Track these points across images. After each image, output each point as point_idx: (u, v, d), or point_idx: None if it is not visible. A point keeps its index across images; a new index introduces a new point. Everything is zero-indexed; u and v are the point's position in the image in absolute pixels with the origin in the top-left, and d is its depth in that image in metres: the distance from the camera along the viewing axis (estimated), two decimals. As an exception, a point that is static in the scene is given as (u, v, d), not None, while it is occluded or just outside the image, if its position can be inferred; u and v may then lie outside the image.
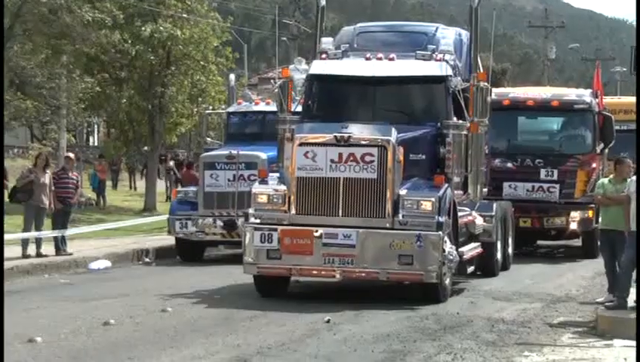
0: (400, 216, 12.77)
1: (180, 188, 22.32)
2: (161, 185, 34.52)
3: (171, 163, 37.45)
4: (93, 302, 12.85)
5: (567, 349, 10.18)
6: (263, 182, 13.53)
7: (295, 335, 10.49)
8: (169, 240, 19.40)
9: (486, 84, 14.13)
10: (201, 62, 30.05)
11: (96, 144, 53.23)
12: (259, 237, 12.85)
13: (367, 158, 12.72)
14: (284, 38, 44.97)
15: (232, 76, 23.37)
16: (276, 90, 14.79)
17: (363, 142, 12.84)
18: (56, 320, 11.33)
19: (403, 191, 12.93)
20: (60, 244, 17.58)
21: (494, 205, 16.24)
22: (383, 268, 12.75)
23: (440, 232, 12.67)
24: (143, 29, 28.35)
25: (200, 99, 30.62)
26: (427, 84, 14.13)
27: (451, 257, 12.83)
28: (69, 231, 18.31)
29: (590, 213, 18.71)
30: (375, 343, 10.15)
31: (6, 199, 17.94)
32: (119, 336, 10.40)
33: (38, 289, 14.50)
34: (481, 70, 15.07)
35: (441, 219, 12.78)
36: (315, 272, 13.06)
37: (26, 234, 17.14)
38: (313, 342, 10.19)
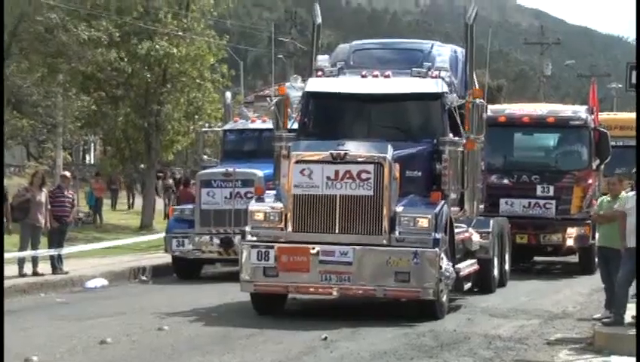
0: (396, 233, 12.76)
1: (176, 206, 22.30)
2: (159, 203, 34.49)
3: (170, 181, 37.42)
4: (89, 320, 12.82)
5: (564, 366, 10.18)
6: (260, 199, 13.52)
7: (292, 353, 10.46)
8: (166, 258, 19.36)
9: (482, 100, 14.15)
10: (197, 80, 30.07)
11: (92, 162, 53.16)
12: (255, 255, 12.83)
13: (364, 175, 12.73)
14: (281, 56, 45.04)
15: (227, 94, 23.41)
16: (272, 108, 14.75)
17: (359, 160, 12.85)
18: (52, 339, 11.30)
19: (399, 208, 12.92)
20: (56, 263, 17.54)
21: (491, 221, 16.23)
22: (380, 285, 12.71)
23: (436, 249, 12.66)
24: (140, 47, 28.42)
25: (196, 116, 30.62)
26: (423, 101, 14.12)
27: (448, 274, 12.82)
28: (66, 250, 18.28)
29: (587, 229, 18.70)
30: (372, 360, 10.15)
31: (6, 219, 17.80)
32: (116, 355, 10.36)
33: (34, 309, 14.46)
34: (477, 87, 15.10)
35: (438, 235, 12.74)
36: (312, 290, 13.03)
37: (22, 253, 17.11)
38: (310, 359, 10.17)
